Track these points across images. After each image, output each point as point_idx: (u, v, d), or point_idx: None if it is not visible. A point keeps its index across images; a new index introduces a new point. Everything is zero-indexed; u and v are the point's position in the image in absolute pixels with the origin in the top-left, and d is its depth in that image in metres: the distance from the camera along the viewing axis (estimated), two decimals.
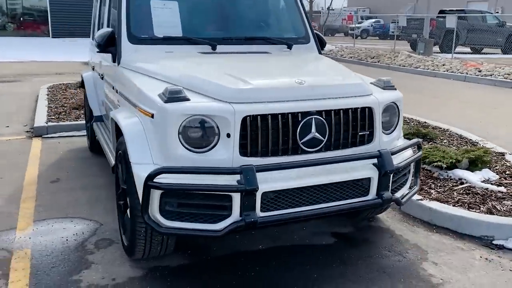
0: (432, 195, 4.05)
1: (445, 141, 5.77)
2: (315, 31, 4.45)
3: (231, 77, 2.96)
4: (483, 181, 4.33)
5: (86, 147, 5.99)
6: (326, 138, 2.89)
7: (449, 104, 9.48)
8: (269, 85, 2.89)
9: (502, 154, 5.24)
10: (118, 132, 3.45)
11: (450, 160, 4.45)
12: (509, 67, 13.51)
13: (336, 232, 3.68)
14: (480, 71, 13.55)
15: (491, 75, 13.05)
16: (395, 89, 3.33)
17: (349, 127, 2.96)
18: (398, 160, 3.07)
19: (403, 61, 16.64)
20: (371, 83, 3.34)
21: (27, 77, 12.51)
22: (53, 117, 7.20)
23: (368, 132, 3.04)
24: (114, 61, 3.78)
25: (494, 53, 21.51)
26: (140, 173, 2.73)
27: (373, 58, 18.20)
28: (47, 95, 9.11)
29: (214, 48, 3.85)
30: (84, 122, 6.81)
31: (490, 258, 3.34)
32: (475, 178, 4.34)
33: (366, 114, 3.01)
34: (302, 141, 2.83)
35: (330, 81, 3.09)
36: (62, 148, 6.02)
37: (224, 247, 3.43)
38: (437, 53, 19.67)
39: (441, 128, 6.53)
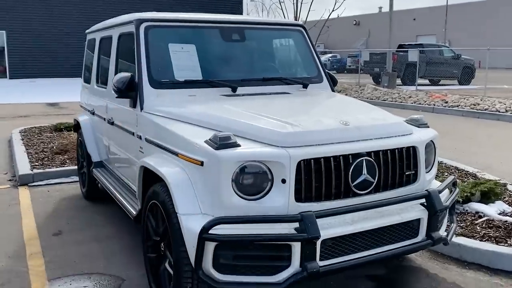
0: (457, 230, 4.04)
1: (445, 174, 5.85)
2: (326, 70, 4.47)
3: (276, 120, 2.89)
4: (500, 214, 4.38)
5: (80, 195, 5.69)
6: (376, 179, 2.84)
7: None
8: (318, 127, 2.82)
9: (504, 185, 5.35)
10: (145, 180, 3.28)
11: (465, 194, 4.49)
12: (473, 97, 14.11)
13: (371, 275, 3.59)
14: (446, 102, 14.07)
15: (457, 106, 13.56)
16: (428, 127, 3.35)
17: (396, 167, 2.93)
18: (443, 198, 3.05)
19: (370, 94, 17.10)
20: (404, 121, 3.34)
21: None
22: (36, 163, 6.84)
23: (413, 172, 3.02)
24: (134, 106, 3.63)
25: (451, 84, 22.48)
26: (191, 225, 2.58)
27: (340, 91, 18.61)
28: (22, 139, 8.69)
29: (234, 90, 3.78)
30: (72, 167, 6.53)
31: None
32: (491, 211, 4.38)
33: (410, 153, 2.99)
34: (354, 183, 2.77)
35: (373, 121, 3.06)
36: (53, 197, 5.69)
37: None
38: (400, 85, 20.36)
39: None
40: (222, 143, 2.60)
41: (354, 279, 3.52)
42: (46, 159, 7.15)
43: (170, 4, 26.06)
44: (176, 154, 2.89)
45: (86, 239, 4.34)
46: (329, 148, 2.72)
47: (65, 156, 7.24)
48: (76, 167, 6.17)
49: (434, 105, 14.20)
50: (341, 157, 2.73)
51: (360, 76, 22.30)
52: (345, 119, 2.96)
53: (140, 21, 3.78)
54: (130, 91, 3.56)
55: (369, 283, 3.47)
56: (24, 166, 6.61)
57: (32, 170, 6.41)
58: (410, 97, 15.66)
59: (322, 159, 2.68)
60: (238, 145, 2.63)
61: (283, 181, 2.59)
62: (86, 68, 5.67)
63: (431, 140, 3.20)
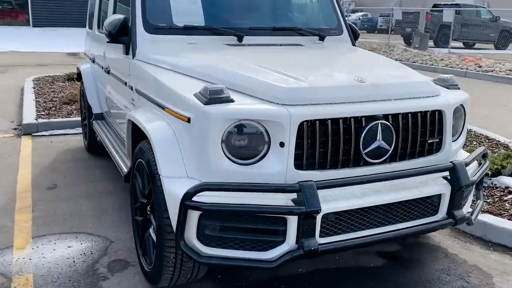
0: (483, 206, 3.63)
1: (474, 143, 5.38)
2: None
3: (279, 74, 2.49)
4: None
5: (83, 147, 5.44)
6: (392, 147, 2.44)
7: None
8: (326, 83, 2.42)
9: None
10: (134, 136, 2.95)
11: (495, 167, 4.04)
12: (510, 63, 13.26)
13: (383, 252, 3.24)
14: (480, 67, 13.26)
15: (492, 71, 12.77)
16: (459, 88, 2.90)
17: (417, 133, 2.52)
18: (470, 172, 2.63)
19: (400, 55, 16.31)
20: (432, 81, 2.89)
21: (9, 68, 11.80)
22: (42, 113, 6.61)
23: (437, 140, 2.60)
24: (127, 53, 3.27)
25: (487, 48, 21.34)
26: (173, 190, 2.24)
27: None
28: (33, 88, 8.47)
29: (240, 39, 3.36)
30: (78, 118, 6.26)
31: None
32: None
33: (435, 118, 2.56)
34: (365, 150, 2.37)
35: (394, 79, 2.63)
36: (55, 148, 5.46)
37: (259, 271, 2.96)
38: (432, 47, 19.38)
39: None
40: (213, 97, 2.23)
41: (363, 255, 3.18)
42: (53, 108, 6.90)
43: None
44: (163, 107, 2.54)
45: (80, 194, 4.08)
46: (338, 108, 2.32)
47: (73, 107, 6.98)
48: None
49: (467, 69, 13.40)
50: (352, 119, 2.33)
51: (390, 36, 21.28)
52: (361, 76, 2.54)
53: None
54: (122, 36, 3.18)
55: (379, 261, 3.12)
56: (29, 115, 6.38)
57: (36, 120, 6.18)
58: (442, 60, 14.83)
59: (329, 120, 2.29)
60: (232, 101, 2.25)
61: (282, 144, 2.22)
62: (90, 13, 5.28)
63: (461, 104, 2.75)
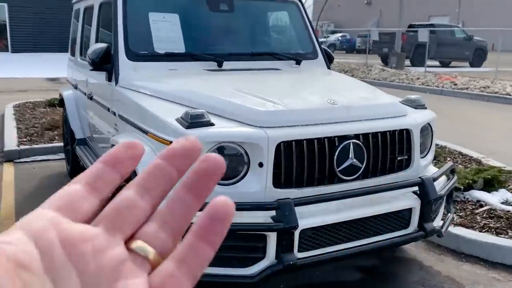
0: (455, 219, 3.79)
1: (448, 159, 5.57)
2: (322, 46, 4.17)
3: (257, 98, 2.63)
4: (503, 203, 4.11)
5: (65, 173, 5.49)
6: (364, 164, 2.59)
7: None
8: (301, 106, 2.57)
9: (509, 172, 5.06)
10: None
11: (467, 181, 4.22)
12: (484, 80, 13.68)
13: (360, 266, 3.35)
14: (455, 85, 13.66)
15: (467, 89, 13.16)
16: (426, 108, 3.08)
17: (387, 151, 2.67)
18: (439, 187, 2.79)
19: (377, 75, 16.70)
20: (400, 102, 3.07)
21: None
22: (24, 139, 6.64)
23: (406, 157, 2.75)
24: (109, 79, 3.38)
25: (462, 66, 21.94)
26: None
27: (347, 72, 18.19)
28: (14, 114, 8.48)
29: (220, 64, 3.51)
30: (60, 144, 6.31)
31: None
32: (494, 199, 4.12)
33: (404, 136, 2.73)
34: (339, 168, 2.51)
35: (364, 101, 2.80)
36: (38, 174, 5.49)
37: (241, 287, 3.04)
38: (409, 66, 19.87)
39: (438, 145, 6.34)
40: (194, 121, 2.35)
41: (342, 270, 3.29)
42: (35, 134, 6.93)
43: None
44: (146, 132, 2.65)
45: None
46: (313, 129, 2.46)
47: (55, 132, 7.01)
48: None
49: (443, 87, 13.79)
50: (325, 139, 2.48)
51: (368, 56, 21.77)
52: (333, 98, 2.69)
53: None
54: (105, 64, 3.30)
55: (357, 275, 3.24)
56: (11, 142, 6.40)
57: (18, 146, 6.21)
58: (418, 78, 15.23)
59: (304, 141, 2.43)
60: (212, 124, 2.38)
61: (260, 164, 2.35)
62: (72, 40, 5.40)
63: (428, 123, 2.93)
